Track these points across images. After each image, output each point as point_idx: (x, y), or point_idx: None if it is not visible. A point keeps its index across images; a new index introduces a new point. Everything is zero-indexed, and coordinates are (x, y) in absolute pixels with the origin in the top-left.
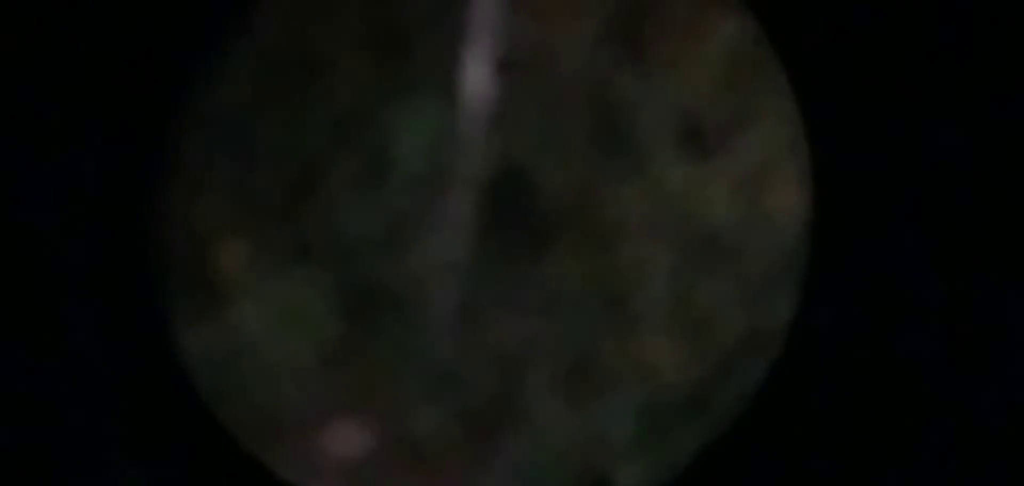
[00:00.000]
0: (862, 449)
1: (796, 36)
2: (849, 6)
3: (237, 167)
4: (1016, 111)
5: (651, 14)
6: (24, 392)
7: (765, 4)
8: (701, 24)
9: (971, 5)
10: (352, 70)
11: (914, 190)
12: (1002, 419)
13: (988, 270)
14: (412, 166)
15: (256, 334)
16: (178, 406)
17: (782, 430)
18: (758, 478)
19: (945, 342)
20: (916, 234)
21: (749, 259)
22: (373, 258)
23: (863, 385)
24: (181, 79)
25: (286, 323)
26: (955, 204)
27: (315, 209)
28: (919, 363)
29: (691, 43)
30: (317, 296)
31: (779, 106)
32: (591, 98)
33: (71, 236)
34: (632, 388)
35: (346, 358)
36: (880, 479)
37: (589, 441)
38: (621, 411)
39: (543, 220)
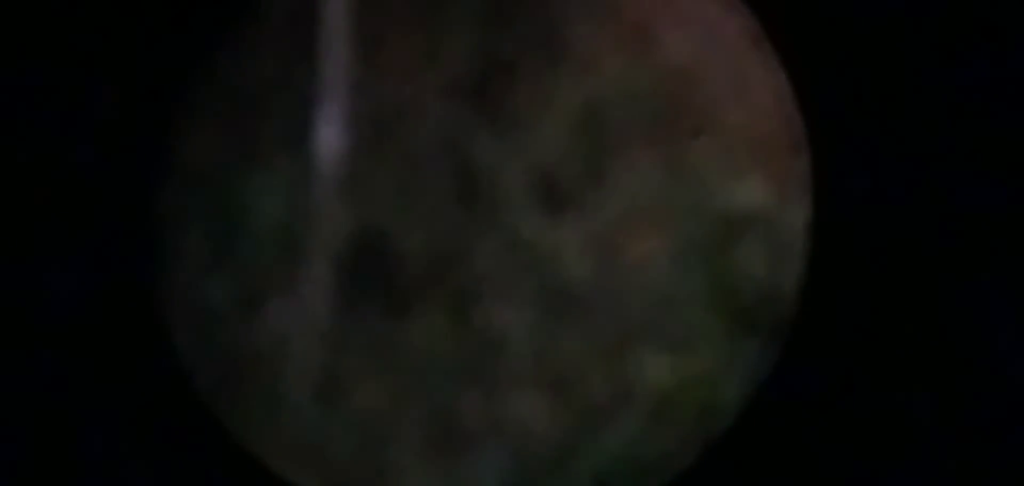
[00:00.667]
0: (862, 450)
1: (796, 36)
2: (849, 6)
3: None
4: (1015, 110)
5: (500, 72)
6: (24, 392)
7: (765, 5)
8: (551, 82)
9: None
10: (204, 135)
11: (914, 191)
12: (1001, 419)
13: (987, 270)
14: (266, 231)
15: None
16: (178, 406)
17: (782, 430)
18: (758, 478)
19: (945, 343)
20: (916, 234)
21: (609, 313)
22: (231, 326)
23: (863, 385)
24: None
25: None
26: (956, 205)
27: (170, 278)
28: (918, 365)
29: (542, 100)
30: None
31: (638, 160)
32: (447, 156)
33: (71, 237)
34: (497, 446)
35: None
36: (879, 479)
37: None
38: (487, 470)
39: (403, 281)
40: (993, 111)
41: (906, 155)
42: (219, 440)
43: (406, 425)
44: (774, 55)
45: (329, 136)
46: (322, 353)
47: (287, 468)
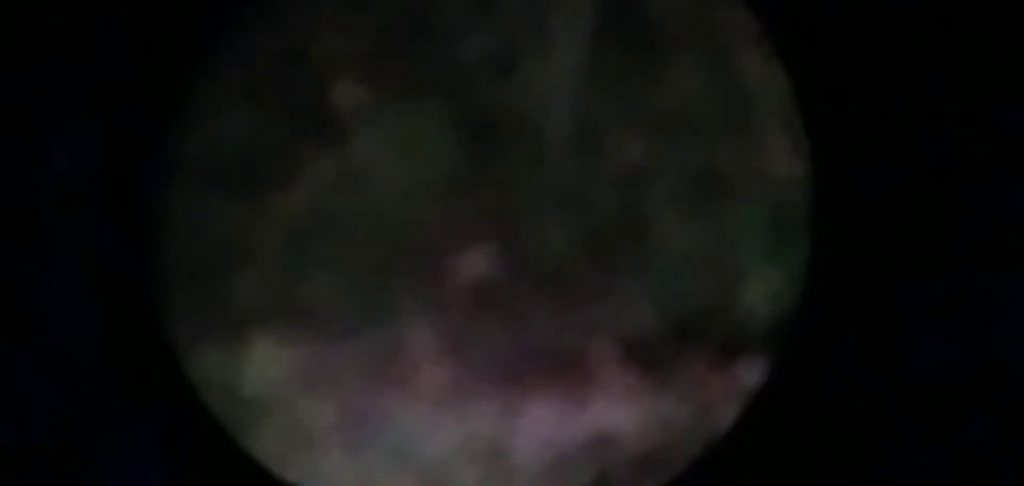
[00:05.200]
0: (862, 451)
1: (798, 41)
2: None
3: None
4: (1015, 113)
5: None
6: (23, 391)
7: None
8: None
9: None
10: None
11: (915, 192)
12: (1000, 420)
13: (987, 271)
14: None
15: (377, 165)
16: (178, 405)
17: (782, 431)
18: (758, 478)
19: (945, 342)
20: (916, 234)
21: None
22: (488, 82)
23: (863, 385)
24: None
25: (406, 153)
26: (956, 205)
27: (427, 38)
28: (918, 364)
29: None
30: (436, 126)
31: None
32: None
33: (72, 236)
34: (757, 199)
35: (468, 185)
36: (879, 480)
37: (715, 255)
38: (747, 222)
39: (659, 32)
40: (994, 110)
41: (906, 155)
42: (221, 441)
43: (664, 178)
44: (774, 55)
45: None
46: (578, 106)
47: (543, 219)
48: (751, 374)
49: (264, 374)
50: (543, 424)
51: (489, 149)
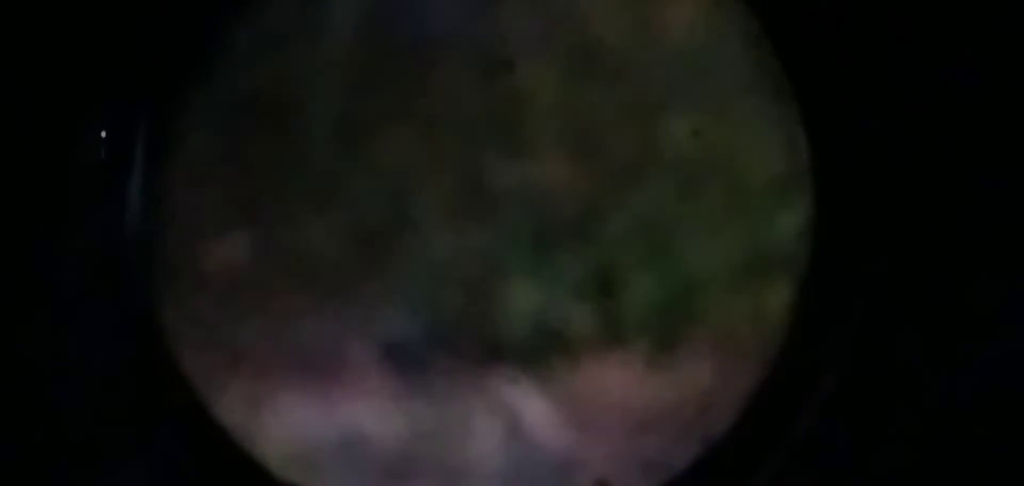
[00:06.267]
0: (860, 451)
1: (796, 36)
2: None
3: None
4: (1014, 111)
5: None
6: (22, 390)
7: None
8: None
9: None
10: None
11: (915, 191)
12: (998, 417)
13: (986, 270)
14: None
15: None
16: (178, 406)
17: (781, 431)
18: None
19: (944, 336)
20: (916, 231)
21: (640, 74)
22: (250, 67)
23: (862, 381)
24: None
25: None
26: (955, 204)
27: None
28: (917, 359)
29: None
30: (192, 108)
31: None
32: None
33: (68, 233)
34: (522, 208)
35: (224, 169)
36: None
37: (477, 262)
38: (511, 231)
39: (429, 34)
40: (994, 106)
41: (907, 153)
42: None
43: (429, 180)
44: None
45: None
46: (343, 99)
47: (304, 209)
48: (509, 388)
49: None
50: (291, 420)
51: (248, 135)
